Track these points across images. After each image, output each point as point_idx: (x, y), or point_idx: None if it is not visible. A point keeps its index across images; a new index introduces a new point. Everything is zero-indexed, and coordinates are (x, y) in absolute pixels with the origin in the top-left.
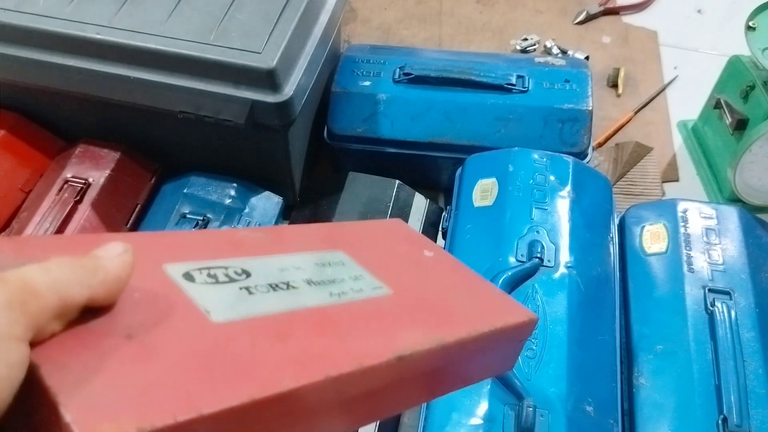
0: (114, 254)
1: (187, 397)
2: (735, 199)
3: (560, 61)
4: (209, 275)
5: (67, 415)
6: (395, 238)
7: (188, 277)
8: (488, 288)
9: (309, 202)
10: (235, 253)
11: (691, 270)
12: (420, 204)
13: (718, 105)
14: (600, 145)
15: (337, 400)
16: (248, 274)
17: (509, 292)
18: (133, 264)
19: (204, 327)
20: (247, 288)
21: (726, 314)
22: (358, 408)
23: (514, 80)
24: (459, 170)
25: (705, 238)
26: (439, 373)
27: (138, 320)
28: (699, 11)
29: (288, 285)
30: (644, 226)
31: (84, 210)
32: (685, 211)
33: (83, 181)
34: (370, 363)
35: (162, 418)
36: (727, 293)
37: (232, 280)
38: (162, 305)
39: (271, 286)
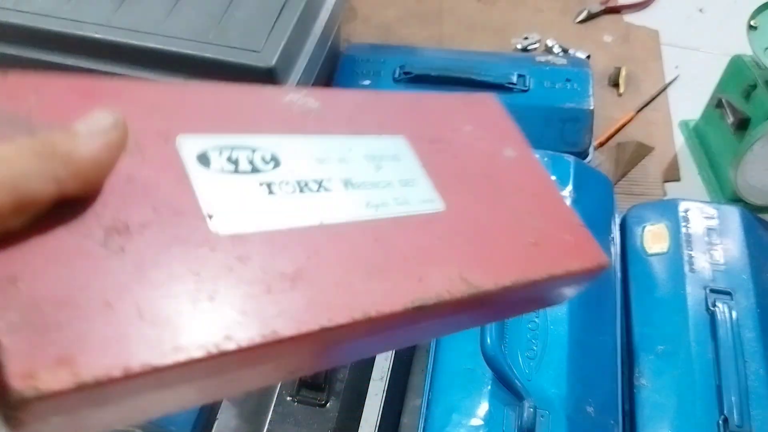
0: (99, 129)
1: (146, 342)
2: (737, 199)
3: (561, 60)
4: (229, 159)
5: (3, 354)
6: (477, 123)
7: (203, 160)
8: (563, 213)
9: None
10: (273, 126)
11: (692, 270)
12: None
13: (719, 104)
14: (601, 144)
15: (333, 345)
16: (277, 163)
17: None
18: (123, 143)
19: (197, 241)
20: (269, 185)
21: (727, 315)
22: (360, 347)
23: (515, 79)
24: None
25: (706, 238)
26: (468, 313)
27: (122, 221)
28: (700, 10)
29: (320, 185)
30: (645, 226)
31: None
32: (686, 211)
33: None
34: (380, 312)
35: (107, 368)
36: (728, 293)
37: (254, 170)
38: (158, 201)
39: (299, 185)
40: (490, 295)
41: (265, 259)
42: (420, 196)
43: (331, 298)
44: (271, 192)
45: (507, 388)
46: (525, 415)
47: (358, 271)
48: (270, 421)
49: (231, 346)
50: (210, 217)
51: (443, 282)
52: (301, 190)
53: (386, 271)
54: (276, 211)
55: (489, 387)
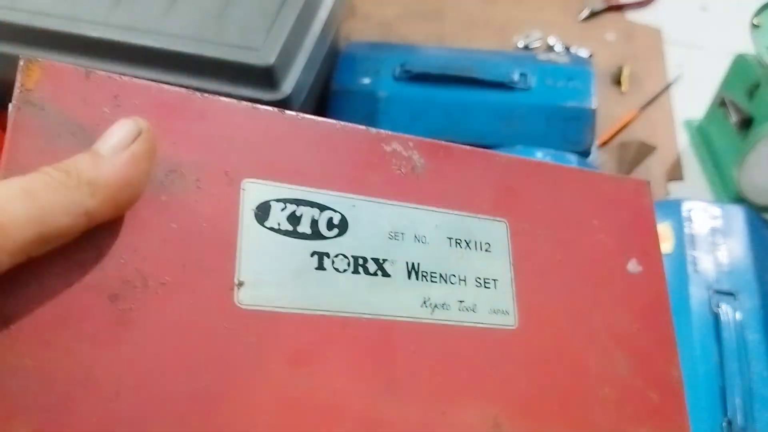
0: (121, 144)
1: (107, 426)
2: (741, 199)
3: (563, 59)
4: (291, 217)
5: None
6: (611, 217)
7: (262, 212)
8: (662, 361)
9: None
10: (358, 181)
11: (696, 271)
12: None
13: (723, 104)
14: (604, 143)
15: None
16: (343, 230)
17: None
18: (150, 153)
19: (214, 313)
20: (321, 256)
21: (731, 316)
22: None
23: (516, 78)
24: None
25: (710, 239)
26: None
27: (144, 274)
28: (703, 8)
29: (380, 267)
30: None
31: None
32: (690, 211)
33: None
34: None
35: None
36: (732, 295)
37: (313, 236)
38: (192, 257)
39: (355, 263)
40: None
41: (279, 343)
42: (492, 304)
43: (323, 409)
44: (320, 266)
45: None
46: None
47: (374, 384)
48: None
49: None
50: (239, 285)
51: (470, 423)
52: (355, 270)
53: (407, 392)
54: (315, 292)
55: None
